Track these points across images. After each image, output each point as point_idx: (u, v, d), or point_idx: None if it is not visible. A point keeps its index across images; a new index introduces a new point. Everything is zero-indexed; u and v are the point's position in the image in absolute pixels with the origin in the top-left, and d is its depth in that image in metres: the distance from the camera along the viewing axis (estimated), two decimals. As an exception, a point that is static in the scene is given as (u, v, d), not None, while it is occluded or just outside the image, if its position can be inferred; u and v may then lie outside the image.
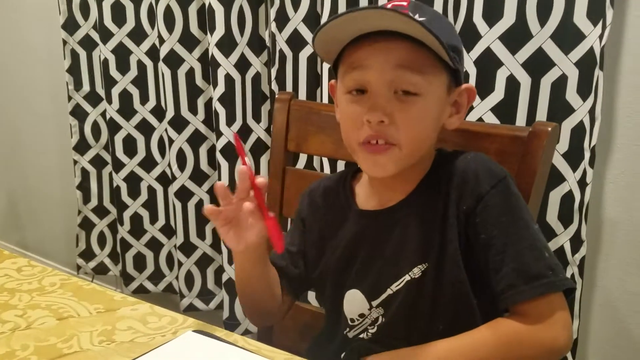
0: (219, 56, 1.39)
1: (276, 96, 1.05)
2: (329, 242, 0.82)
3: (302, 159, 1.31)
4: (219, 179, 1.48)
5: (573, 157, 1.00)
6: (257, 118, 1.47)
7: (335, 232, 0.81)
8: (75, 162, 1.79)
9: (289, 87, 1.32)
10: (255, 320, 0.91)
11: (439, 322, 0.74)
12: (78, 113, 1.76)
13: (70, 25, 1.69)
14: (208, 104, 1.51)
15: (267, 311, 0.85)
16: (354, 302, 0.78)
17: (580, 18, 0.95)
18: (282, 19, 1.27)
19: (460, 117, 0.76)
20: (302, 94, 1.30)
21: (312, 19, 1.24)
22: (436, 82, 0.71)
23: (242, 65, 1.41)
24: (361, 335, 0.78)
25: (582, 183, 1.02)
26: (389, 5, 0.71)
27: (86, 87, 1.74)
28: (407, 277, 0.74)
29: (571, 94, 0.98)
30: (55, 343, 0.71)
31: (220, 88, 1.41)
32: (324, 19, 1.20)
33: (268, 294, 0.83)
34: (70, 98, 1.75)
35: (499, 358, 0.67)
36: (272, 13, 1.29)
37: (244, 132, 1.46)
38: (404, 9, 0.68)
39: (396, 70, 0.69)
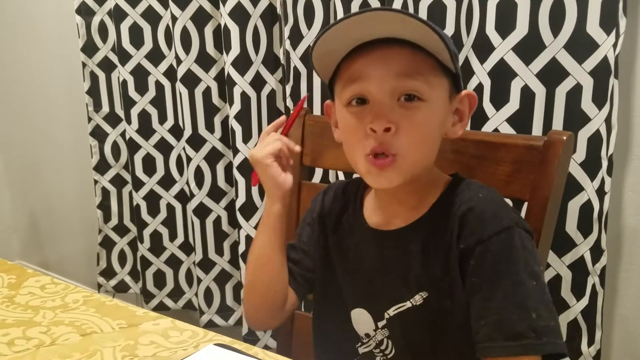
0: (234, 75, 1.41)
1: (291, 112, 1.06)
2: (335, 249, 0.82)
3: (318, 173, 1.32)
4: (236, 196, 1.49)
5: (590, 166, 1.00)
6: (273, 134, 1.48)
7: (341, 241, 0.81)
8: (96, 181, 1.82)
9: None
10: (259, 317, 0.86)
11: (445, 355, 0.73)
12: (98, 134, 1.79)
13: (89, 48, 1.73)
14: (225, 122, 1.54)
15: (274, 303, 0.82)
16: (361, 321, 0.78)
17: (593, 27, 0.95)
18: (296, 37, 1.29)
19: (463, 126, 0.75)
20: (317, 110, 1.31)
21: (325, 35, 1.26)
22: (438, 87, 0.70)
23: (258, 83, 1.43)
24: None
25: (600, 192, 1.01)
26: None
27: (105, 108, 1.78)
28: (408, 304, 0.73)
29: (586, 103, 0.98)
30: (80, 359, 0.72)
31: (237, 106, 1.43)
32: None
33: (281, 279, 0.81)
34: (90, 119, 1.79)
35: None
36: (287, 31, 1.31)
37: (261, 148, 1.47)
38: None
39: (397, 79, 0.67)
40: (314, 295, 0.88)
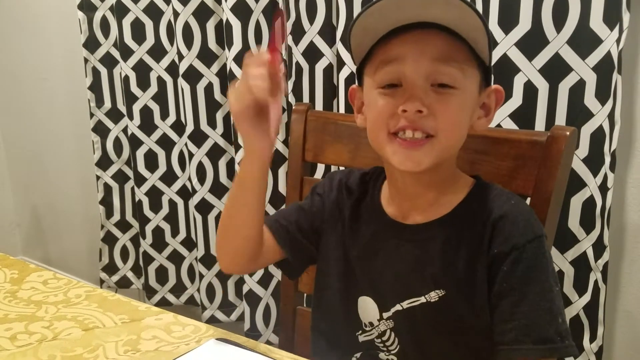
0: (237, 71, 1.41)
1: (293, 107, 1.06)
2: (348, 234, 0.80)
3: (320, 169, 1.32)
4: (239, 192, 1.49)
5: (593, 162, 1.00)
6: (275, 130, 1.48)
7: (357, 226, 0.80)
8: (98, 177, 1.82)
9: (306, 99, 1.33)
10: (229, 253, 0.80)
11: (450, 357, 0.73)
12: (100, 129, 1.79)
13: (91, 44, 1.73)
14: (227, 117, 1.53)
15: (247, 240, 0.77)
16: (366, 309, 0.78)
17: (596, 23, 0.94)
18: (298, 32, 1.29)
19: (489, 120, 0.75)
20: (319, 106, 1.31)
21: (327, 31, 1.26)
22: (471, 77, 0.70)
23: (260, 78, 1.43)
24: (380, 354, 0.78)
25: (603, 188, 1.01)
26: None
27: (107, 104, 1.78)
28: (422, 299, 0.73)
29: (590, 99, 0.98)
30: (82, 353, 0.72)
31: (239, 101, 1.43)
32: (339, 31, 1.21)
33: (257, 216, 0.76)
34: (92, 115, 1.79)
35: None
36: (289, 26, 1.31)
37: (263, 144, 1.47)
38: None
39: (433, 63, 0.67)
40: (316, 277, 0.86)
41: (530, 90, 1.00)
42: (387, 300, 0.76)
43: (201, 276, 1.65)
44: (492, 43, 0.70)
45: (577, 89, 0.98)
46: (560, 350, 0.67)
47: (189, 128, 1.55)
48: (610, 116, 0.98)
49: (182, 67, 1.51)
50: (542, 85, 0.99)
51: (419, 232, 0.74)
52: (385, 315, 0.76)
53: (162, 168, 1.70)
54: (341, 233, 0.81)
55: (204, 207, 1.59)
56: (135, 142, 1.69)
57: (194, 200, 1.60)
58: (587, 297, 1.05)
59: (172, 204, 1.72)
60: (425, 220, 0.74)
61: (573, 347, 0.68)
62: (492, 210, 0.71)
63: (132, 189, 1.78)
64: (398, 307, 0.74)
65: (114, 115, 1.78)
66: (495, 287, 0.69)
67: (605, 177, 1.01)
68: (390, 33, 0.69)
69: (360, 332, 0.79)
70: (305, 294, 1.07)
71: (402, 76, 0.68)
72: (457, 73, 0.68)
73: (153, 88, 1.64)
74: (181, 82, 1.53)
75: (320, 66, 1.29)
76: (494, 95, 0.74)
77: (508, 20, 0.99)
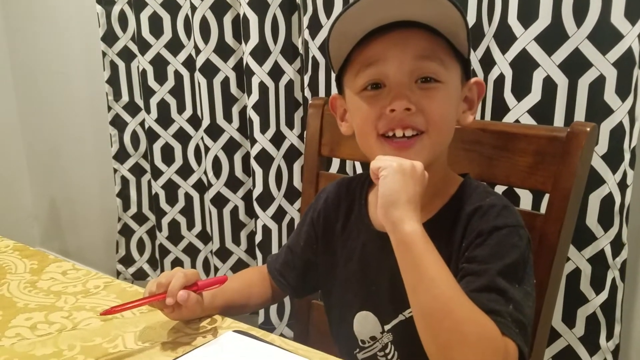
0: (253, 65, 1.41)
1: (309, 102, 1.06)
2: (341, 250, 0.80)
3: (335, 163, 1.32)
4: (253, 186, 1.50)
5: (613, 158, 0.98)
6: (290, 125, 1.48)
7: (348, 242, 0.80)
8: (115, 170, 1.84)
9: (322, 94, 1.33)
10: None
11: None
12: (117, 123, 1.81)
13: (109, 38, 1.74)
14: (242, 112, 1.54)
15: (247, 310, 0.90)
16: (366, 324, 0.77)
17: (617, 18, 0.93)
18: (315, 26, 1.29)
19: (473, 113, 0.75)
20: (336, 100, 1.31)
21: (345, 25, 1.25)
22: (453, 71, 0.70)
23: (276, 73, 1.43)
24: None
25: (622, 185, 1.00)
26: None
27: (125, 98, 1.79)
28: None
29: (610, 95, 0.96)
30: (101, 343, 0.73)
31: (255, 96, 1.43)
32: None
33: (242, 309, 0.88)
34: (110, 108, 1.80)
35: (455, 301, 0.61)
36: (305, 20, 1.31)
37: (278, 138, 1.48)
38: None
39: (416, 60, 0.67)
40: (322, 295, 0.88)
41: (549, 85, 0.99)
42: (387, 313, 0.75)
43: (216, 269, 1.66)
44: (470, 36, 0.70)
45: (597, 85, 0.97)
46: (505, 322, 0.61)
47: (205, 122, 1.56)
48: (631, 112, 0.97)
49: (199, 61, 1.51)
50: (561, 81, 0.98)
51: None
52: (386, 327, 0.75)
53: (178, 162, 1.71)
54: (334, 252, 0.82)
55: (220, 201, 1.60)
56: (152, 136, 1.70)
57: (209, 194, 1.61)
58: (604, 295, 1.04)
59: (188, 198, 1.73)
60: None
61: (520, 338, 0.61)
62: (467, 209, 0.70)
63: (149, 182, 1.79)
64: (401, 317, 0.74)
65: (132, 108, 1.79)
66: (459, 274, 0.66)
67: (625, 174, 0.99)
68: (369, 35, 0.68)
69: (357, 350, 0.79)
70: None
71: (385, 77, 0.68)
72: (440, 68, 0.68)
73: (170, 82, 1.65)
74: (198, 76, 1.53)
75: (336, 61, 1.28)
76: (476, 88, 0.74)
77: (527, 15, 0.98)
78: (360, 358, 0.79)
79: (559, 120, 1.00)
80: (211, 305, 0.79)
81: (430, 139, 0.68)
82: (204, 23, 1.48)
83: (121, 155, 1.83)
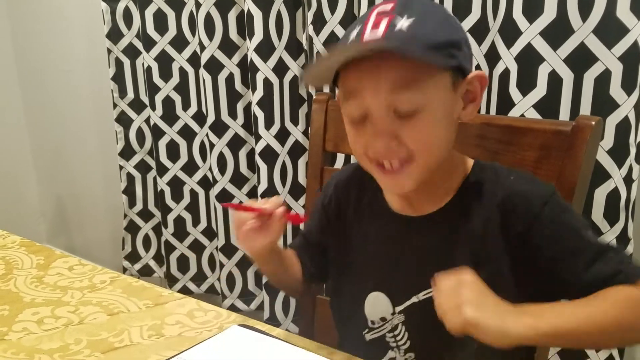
0: (257, 61, 1.41)
1: (314, 97, 1.06)
2: (355, 234, 0.81)
3: (340, 158, 1.32)
4: (258, 182, 1.50)
5: (618, 153, 0.98)
6: (294, 121, 1.49)
7: (362, 226, 0.80)
8: (121, 167, 1.85)
9: (326, 89, 1.32)
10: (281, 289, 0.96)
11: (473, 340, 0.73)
12: (123, 120, 1.81)
13: (114, 35, 1.74)
14: (247, 108, 1.54)
15: (289, 286, 0.91)
16: (378, 304, 0.78)
17: (623, 12, 0.93)
18: (319, 22, 1.29)
19: (476, 105, 0.73)
20: (340, 96, 1.31)
21: (349, 20, 1.25)
22: (436, 88, 0.67)
23: (280, 69, 1.43)
24: (392, 344, 0.78)
25: (628, 180, 0.99)
26: (373, 15, 0.66)
27: (130, 95, 1.80)
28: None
29: (615, 89, 0.96)
30: (107, 337, 0.74)
31: (259, 92, 1.44)
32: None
33: (287, 276, 0.86)
34: (115, 105, 1.81)
35: (624, 320, 0.62)
36: (310, 16, 1.31)
37: (282, 134, 1.48)
38: (389, 14, 0.65)
39: (391, 94, 0.65)
40: (330, 278, 0.88)
41: (554, 80, 0.99)
42: (400, 294, 0.76)
43: (221, 265, 1.66)
44: (455, 44, 0.68)
45: (603, 79, 0.96)
46: (626, 274, 0.65)
47: (210, 119, 1.56)
48: (637, 107, 0.97)
49: (204, 58, 1.52)
50: (566, 75, 0.98)
51: (427, 223, 0.74)
52: (397, 309, 0.76)
53: (183, 158, 1.71)
54: (347, 236, 0.82)
55: (225, 197, 1.60)
56: (157, 133, 1.70)
57: (214, 190, 1.61)
58: (610, 290, 1.04)
59: (193, 194, 1.73)
60: (433, 209, 0.74)
61: (636, 268, 0.66)
62: (494, 193, 0.71)
63: (154, 178, 1.80)
64: (414, 299, 0.74)
65: (137, 105, 1.80)
66: (541, 261, 0.68)
67: (631, 168, 0.99)
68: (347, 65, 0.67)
69: (367, 330, 0.79)
70: (324, 284, 1.08)
71: (367, 110, 0.68)
72: (417, 94, 0.66)
73: (175, 79, 1.66)
74: (202, 72, 1.54)
75: (341, 56, 1.28)
76: (477, 80, 0.72)
77: (533, 9, 0.97)
78: (368, 339, 0.79)
79: (564, 115, 1.00)
80: (277, 248, 0.81)
81: (419, 165, 0.69)
82: (209, 19, 1.49)
83: (127, 152, 1.83)
